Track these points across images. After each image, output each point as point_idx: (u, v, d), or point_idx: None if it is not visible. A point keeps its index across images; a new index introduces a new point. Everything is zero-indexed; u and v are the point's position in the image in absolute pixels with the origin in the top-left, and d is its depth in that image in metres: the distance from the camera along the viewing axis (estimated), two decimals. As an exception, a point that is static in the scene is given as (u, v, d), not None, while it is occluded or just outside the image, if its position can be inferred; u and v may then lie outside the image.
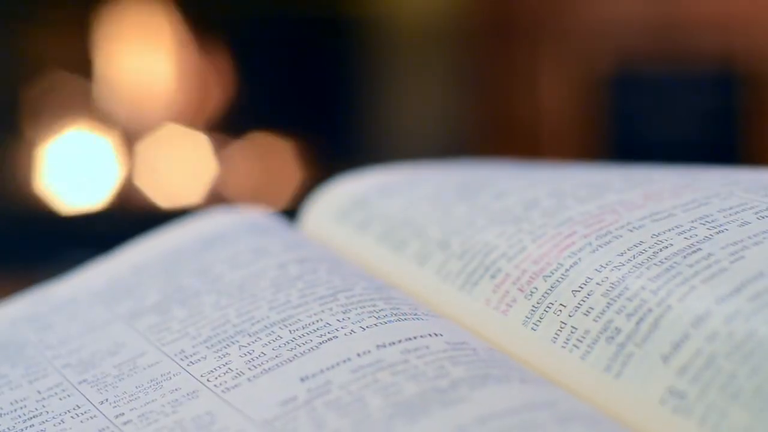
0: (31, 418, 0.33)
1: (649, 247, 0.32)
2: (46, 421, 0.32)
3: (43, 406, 0.33)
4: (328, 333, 0.32)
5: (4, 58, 1.65)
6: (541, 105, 1.72)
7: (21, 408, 0.33)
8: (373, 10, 1.71)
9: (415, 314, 0.34)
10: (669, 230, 0.33)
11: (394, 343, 0.31)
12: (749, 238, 0.31)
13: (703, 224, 0.33)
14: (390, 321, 0.33)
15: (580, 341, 0.31)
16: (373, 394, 0.29)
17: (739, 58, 1.64)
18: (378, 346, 0.31)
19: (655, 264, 0.32)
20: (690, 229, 0.33)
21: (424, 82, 1.71)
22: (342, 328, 0.33)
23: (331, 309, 0.34)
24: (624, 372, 0.29)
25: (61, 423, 0.32)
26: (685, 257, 0.31)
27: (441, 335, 0.32)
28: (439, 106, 1.72)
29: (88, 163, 1.66)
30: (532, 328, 0.32)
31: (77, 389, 0.34)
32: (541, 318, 0.32)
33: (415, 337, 0.32)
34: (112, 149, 1.66)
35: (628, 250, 0.33)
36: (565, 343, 0.31)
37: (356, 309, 0.34)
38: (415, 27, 1.70)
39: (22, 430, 0.32)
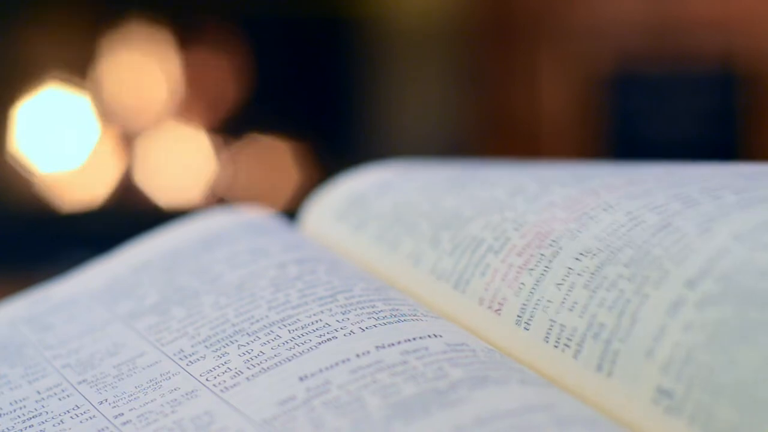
0: (30, 418, 0.33)
1: (622, 226, 0.32)
2: (46, 421, 0.32)
3: (43, 407, 0.33)
4: (328, 333, 0.32)
5: (2, 55, 1.65)
6: (541, 105, 1.72)
7: (20, 408, 0.33)
8: (373, 10, 1.71)
9: (415, 315, 0.34)
10: (643, 206, 0.33)
11: (393, 344, 0.31)
12: (719, 209, 0.31)
13: (678, 199, 0.33)
14: (389, 322, 0.33)
15: (570, 339, 0.31)
16: (372, 394, 0.29)
17: (739, 58, 1.64)
18: (377, 347, 0.31)
19: (629, 247, 0.31)
20: (663, 205, 0.32)
21: (424, 82, 1.71)
22: (341, 328, 0.33)
23: (330, 310, 0.34)
24: (615, 371, 0.29)
25: (61, 423, 0.32)
26: (655, 234, 0.31)
27: (440, 336, 0.32)
28: (439, 106, 1.72)
29: (86, 161, 1.66)
30: (525, 328, 0.32)
31: (76, 389, 0.34)
32: (531, 316, 0.32)
33: (414, 338, 0.32)
34: (111, 147, 1.66)
35: (604, 232, 0.32)
36: (557, 342, 0.31)
37: (356, 310, 0.34)
38: (415, 27, 1.70)
39: (21, 430, 0.32)
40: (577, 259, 0.32)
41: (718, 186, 0.33)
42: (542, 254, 0.33)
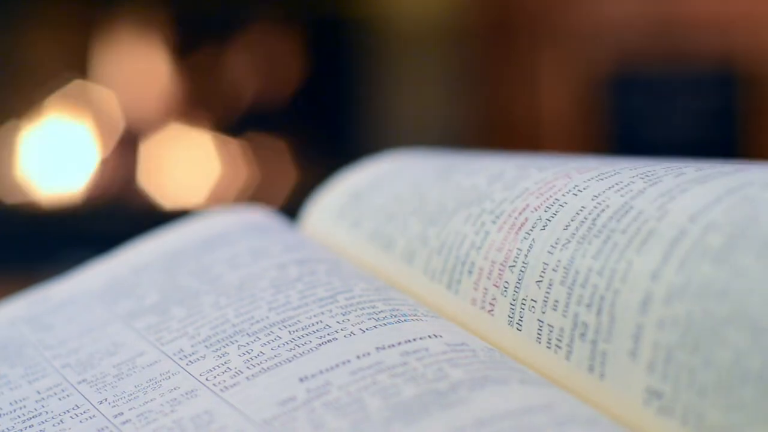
0: (30, 418, 0.33)
1: (589, 213, 0.32)
2: (46, 421, 0.32)
3: (43, 406, 0.33)
4: (328, 335, 0.32)
5: (3, 55, 1.65)
6: (541, 105, 1.72)
7: (20, 408, 0.33)
8: (373, 10, 1.71)
9: (415, 315, 0.34)
10: (609, 188, 0.32)
11: (393, 345, 0.31)
12: (678, 186, 0.31)
13: (642, 178, 0.32)
14: (389, 323, 0.33)
15: (560, 340, 0.31)
16: (372, 395, 0.29)
17: (739, 58, 1.64)
18: (377, 348, 0.31)
19: (594, 235, 0.31)
20: (629, 184, 0.32)
21: (424, 83, 1.71)
22: (342, 330, 0.33)
23: (330, 311, 0.34)
24: (606, 372, 0.29)
25: (61, 423, 0.32)
26: (618, 220, 0.31)
27: (440, 336, 0.32)
28: (439, 106, 1.72)
29: (84, 162, 1.66)
30: (517, 328, 0.32)
31: (76, 389, 0.34)
32: (521, 317, 0.32)
33: (414, 339, 0.32)
34: (112, 147, 1.66)
35: (572, 220, 0.32)
36: (548, 343, 0.31)
37: (356, 311, 0.34)
38: (415, 27, 1.70)
39: (21, 430, 0.32)
40: (549, 252, 0.32)
41: (683, 164, 0.33)
42: (519, 249, 0.33)
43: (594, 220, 0.32)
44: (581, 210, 0.32)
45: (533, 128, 1.73)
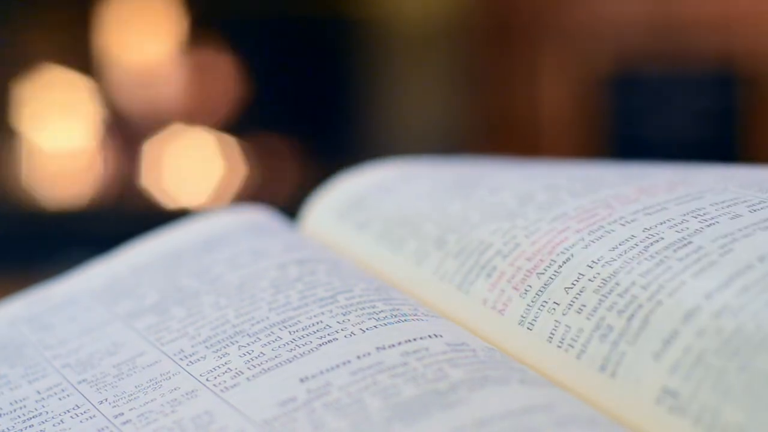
0: (30, 418, 0.33)
1: (641, 242, 0.33)
2: (46, 421, 0.32)
3: (43, 406, 0.33)
4: (328, 335, 0.32)
5: (2, 54, 1.65)
6: (541, 105, 1.72)
7: (20, 408, 0.33)
8: (374, 10, 1.71)
9: (415, 315, 0.34)
10: (661, 223, 0.33)
11: (393, 345, 0.31)
12: (739, 230, 0.31)
13: (695, 217, 0.33)
14: (390, 323, 0.33)
15: (575, 340, 0.31)
16: (373, 396, 0.29)
17: (739, 58, 1.64)
18: (378, 348, 0.31)
19: (646, 259, 0.32)
20: (681, 222, 0.33)
21: (424, 82, 1.71)
22: (342, 330, 0.33)
23: (330, 311, 0.34)
24: (618, 371, 0.29)
25: (61, 423, 0.32)
26: (675, 251, 0.31)
27: (441, 336, 0.32)
28: (439, 106, 1.72)
29: (84, 161, 1.66)
30: (528, 328, 0.32)
31: (76, 389, 0.34)
32: (536, 317, 0.32)
33: (414, 339, 0.32)
34: (113, 147, 1.66)
35: (620, 244, 0.33)
36: (560, 342, 0.31)
37: (356, 311, 0.34)
38: (416, 27, 1.70)
39: (21, 430, 0.32)
40: (589, 266, 0.32)
41: (731, 200, 0.33)
42: (553, 260, 0.33)
43: (646, 247, 0.32)
44: (631, 238, 0.33)
45: (533, 128, 1.73)
